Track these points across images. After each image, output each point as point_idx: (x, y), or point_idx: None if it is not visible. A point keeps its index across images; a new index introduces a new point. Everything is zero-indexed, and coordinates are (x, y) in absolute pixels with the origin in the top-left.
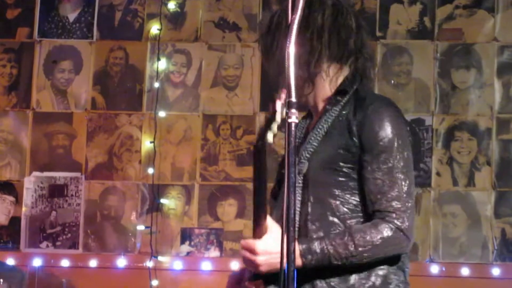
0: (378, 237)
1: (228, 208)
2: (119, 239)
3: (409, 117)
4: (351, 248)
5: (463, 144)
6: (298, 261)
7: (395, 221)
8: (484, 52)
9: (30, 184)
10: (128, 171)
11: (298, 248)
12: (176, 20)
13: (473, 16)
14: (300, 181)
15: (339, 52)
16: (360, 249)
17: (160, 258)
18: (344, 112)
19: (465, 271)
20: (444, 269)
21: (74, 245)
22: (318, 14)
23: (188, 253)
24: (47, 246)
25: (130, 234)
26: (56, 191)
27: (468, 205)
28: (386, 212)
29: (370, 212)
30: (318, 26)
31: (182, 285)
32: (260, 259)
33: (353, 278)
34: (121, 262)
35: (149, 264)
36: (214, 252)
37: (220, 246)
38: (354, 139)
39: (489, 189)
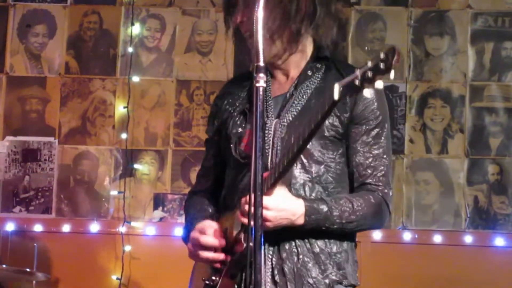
0: (373, 207)
1: None
2: (92, 204)
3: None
4: (352, 215)
5: (436, 111)
6: (300, 220)
7: (384, 195)
8: (457, 19)
9: (4, 149)
10: (102, 136)
11: (301, 206)
12: None
13: None
14: (279, 145)
15: (311, 18)
16: (358, 215)
17: (133, 223)
18: (328, 80)
19: (437, 239)
20: (416, 236)
21: (47, 210)
22: None
23: (161, 219)
24: (20, 210)
25: (103, 199)
26: (29, 155)
27: (441, 173)
28: (375, 186)
29: (357, 183)
30: None
31: (155, 251)
32: (270, 214)
33: (333, 242)
34: (94, 227)
35: (122, 229)
36: None
37: None
38: (345, 111)
39: (462, 157)
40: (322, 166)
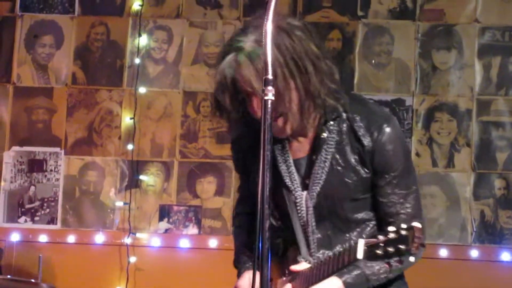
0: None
1: (207, 185)
2: (97, 215)
3: (389, 97)
4: (390, 273)
5: (443, 125)
6: None
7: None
8: (465, 33)
9: (9, 159)
10: (108, 147)
11: (337, 282)
12: None
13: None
14: (313, 220)
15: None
16: (395, 270)
17: (138, 234)
18: (344, 138)
19: (443, 253)
20: None
21: (52, 221)
22: (304, 43)
23: (166, 230)
24: (25, 221)
25: (108, 210)
26: (35, 166)
27: (447, 186)
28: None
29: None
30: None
31: (160, 262)
32: None
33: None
34: (99, 238)
35: (127, 240)
36: (192, 230)
37: (198, 223)
38: (366, 165)
39: (469, 171)
40: (350, 224)
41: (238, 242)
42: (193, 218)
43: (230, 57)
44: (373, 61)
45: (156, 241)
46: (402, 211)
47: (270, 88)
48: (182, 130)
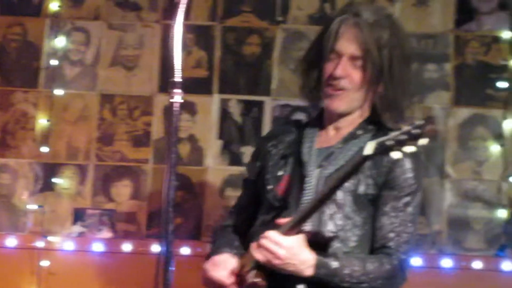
0: (387, 272)
1: (122, 189)
2: (9, 218)
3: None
4: (363, 276)
5: None
6: (309, 271)
7: (402, 261)
8: None
9: None
10: (22, 149)
11: (312, 258)
12: None
13: (372, 4)
14: (320, 185)
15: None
16: (370, 277)
17: (51, 238)
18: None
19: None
20: None
21: None
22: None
23: (80, 234)
24: None
25: (21, 214)
26: None
27: None
28: (395, 250)
29: (378, 245)
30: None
31: (73, 266)
32: (281, 252)
33: None
34: (11, 241)
35: (40, 244)
36: (106, 233)
37: (112, 227)
38: (382, 173)
39: None
40: (350, 222)
41: (217, 244)
42: (107, 221)
43: (344, 16)
44: (292, 67)
45: (69, 245)
46: (402, 233)
47: (177, 90)
48: (99, 133)
